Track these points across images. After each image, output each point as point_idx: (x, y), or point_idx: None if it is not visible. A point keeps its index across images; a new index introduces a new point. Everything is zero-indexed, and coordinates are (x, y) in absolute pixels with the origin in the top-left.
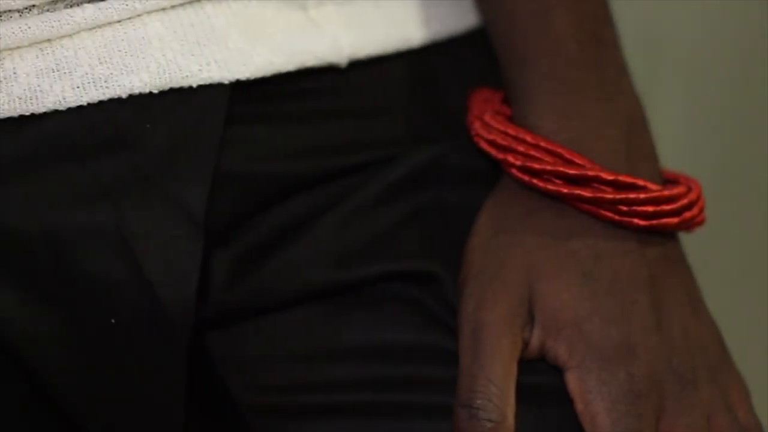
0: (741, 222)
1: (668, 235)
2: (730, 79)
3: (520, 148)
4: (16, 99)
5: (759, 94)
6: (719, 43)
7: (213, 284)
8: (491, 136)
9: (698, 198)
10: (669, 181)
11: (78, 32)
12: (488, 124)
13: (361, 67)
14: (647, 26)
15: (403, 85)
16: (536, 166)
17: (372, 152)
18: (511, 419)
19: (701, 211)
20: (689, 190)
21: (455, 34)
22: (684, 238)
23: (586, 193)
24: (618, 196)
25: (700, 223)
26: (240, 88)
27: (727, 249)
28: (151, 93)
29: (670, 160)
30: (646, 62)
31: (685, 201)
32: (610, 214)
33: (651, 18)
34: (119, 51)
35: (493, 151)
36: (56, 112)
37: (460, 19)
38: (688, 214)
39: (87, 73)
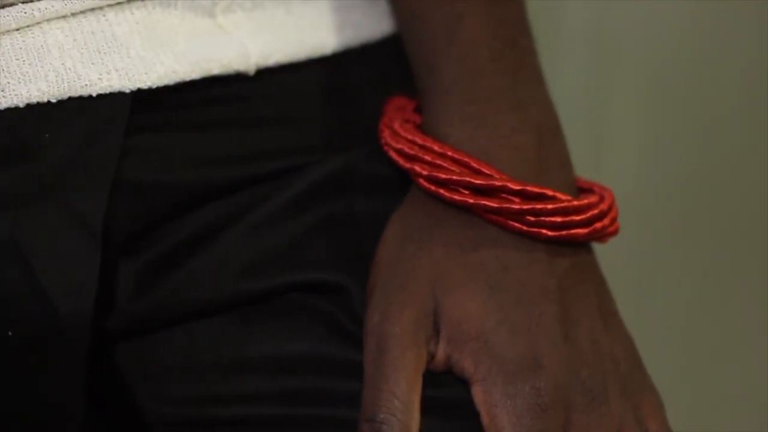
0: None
1: (580, 245)
2: (688, 79)
3: (427, 158)
4: None
5: (718, 93)
6: (675, 42)
7: (119, 295)
8: (399, 145)
9: (610, 208)
10: (584, 190)
11: None
12: (397, 133)
13: (271, 74)
14: (600, 27)
15: (316, 93)
16: (442, 175)
17: (282, 161)
18: None
19: (613, 221)
20: (601, 200)
21: (370, 40)
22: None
23: (493, 204)
24: (525, 207)
25: (613, 233)
26: (144, 96)
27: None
28: (50, 102)
29: (626, 162)
30: (600, 63)
31: (595, 211)
32: (517, 225)
33: (604, 18)
34: (17, 59)
35: (400, 161)
36: None
37: (376, 25)
38: (598, 225)
39: None
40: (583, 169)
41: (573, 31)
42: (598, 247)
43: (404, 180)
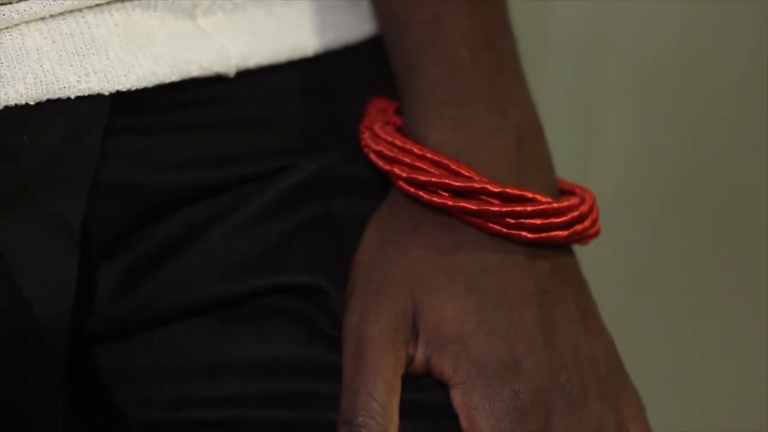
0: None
1: (560, 247)
2: (677, 80)
3: (407, 160)
4: None
5: (707, 94)
6: (664, 42)
7: (99, 297)
8: (379, 147)
9: (590, 210)
10: (565, 192)
11: None
12: (377, 135)
13: (251, 76)
14: (589, 27)
15: (297, 95)
16: (422, 177)
17: (262, 163)
18: None
19: (594, 223)
20: (582, 202)
21: (352, 42)
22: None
23: (472, 206)
24: (504, 209)
25: (594, 235)
26: (123, 98)
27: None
28: (28, 104)
29: (616, 163)
30: (589, 64)
31: (575, 213)
32: (497, 227)
33: (593, 19)
34: None
35: (380, 163)
36: None
37: (357, 27)
38: (578, 227)
39: None
40: (573, 171)
41: (562, 32)
42: (586, 248)
43: (385, 182)
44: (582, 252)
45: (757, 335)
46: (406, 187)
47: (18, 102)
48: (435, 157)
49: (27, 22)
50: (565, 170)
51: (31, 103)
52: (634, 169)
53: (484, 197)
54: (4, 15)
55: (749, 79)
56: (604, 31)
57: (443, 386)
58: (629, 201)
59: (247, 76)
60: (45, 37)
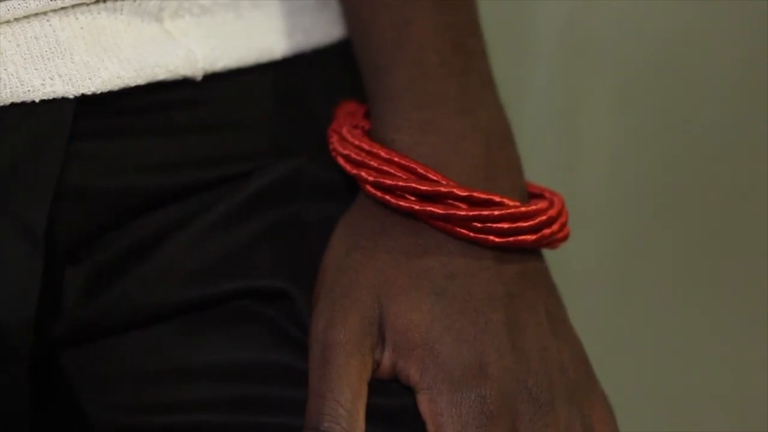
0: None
1: (529, 252)
2: (661, 79)
3: (374, 164)
4: None
5: (692, 93)
6: (648, 42)
7: (65, 301)
8: (346, 151)
9: (559, 214)
10: (534, 196)
11: None
12: (344, 138)
13: (219, 79)
14: (572, 27)
15: (265, 98)
16: (388, 181)
17: (230, 166)
18: None
19: (562, 227)
20: (550, 205)
21: (321, 45)
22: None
23: (439, 210)
24: (471, 213)
25: (563, 239)
26: (88, 102)
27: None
28: None
29: (600, 164)
30: (572, 64)
31: (543, 217)
32: (464, 231)
33: (576, 18)
34: None
35: (347, 166)
36: None
37: (327, 30)
38: (547, 231)
39: None
40: (557, 171)
41: (545, 32)
42: (570, 251)
43: (352, 186)
44: (567, 254)
45: (743, 336)
46: (373, 191)
47: None
48: (402, 161)
49: None
50: (549, 171)
51: None
52: (619, 170)
53: (451, 201)
54: None
55: (734, 79)
56: (587, 31)
57: (410, 391)
58: (613, 202)
59: (214, 79)
60: (9, 41)
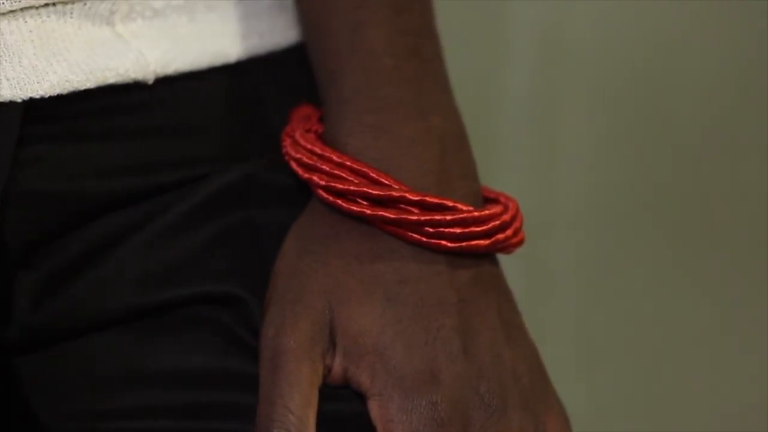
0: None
1: (483, 257)
2: (638, 80)
3: (326, 168)
4: None
5: (667, 96)
6: (625, 43)
7: (16, 307)
8: (298, 155)
9: (513, 219)
10: (489, 200)
11: None
12: (297, 142)
13: (171, 83)
14: (552, 29)
15: (218, 101)
16: (340, 186)
17: (183, 170)
18: None
19: (517, 232)
20: (504, 210)
21: (277, 49)
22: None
23: (390, 215)
24: (423, 218)
25: (518, 244)
26: (37, 106)
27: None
28: None
29: (577, 166)
30: (549, 65)
31: (497, 222)
32: (416, 236)
33: (552, 20)
34: None
35: (300, 171)
36: None
37: (283, 34)
38: (500, 236)
39: None
40: (536, 173)
41: (523, 34)
42: (549, 251)
43: (306, 190)
44: (546, 256)
45: (724, 336)
46: (325, 195)
47: None
48: (355, 165)
49: None
50: (528, 173)
51: None
52: (598, 172)
53: (403, 206)
54: None
55: (714, 81)
56: (565, 33)
57: (361, 397)
58: (593, 203)
59: (167, 82)
60: None
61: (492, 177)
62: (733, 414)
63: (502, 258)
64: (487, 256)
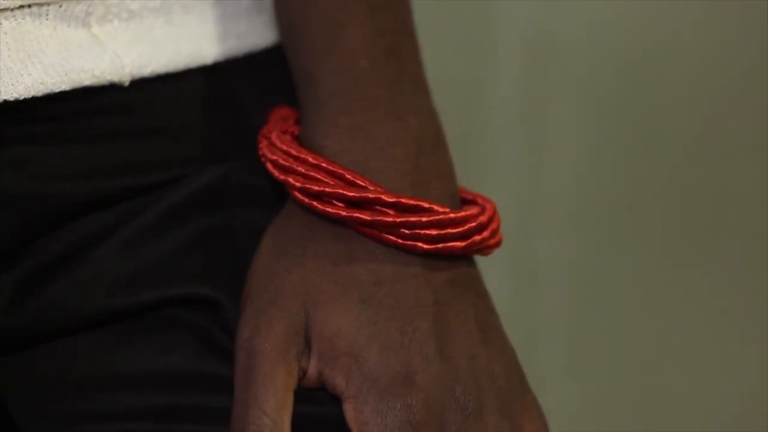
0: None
1: (460, 258)
2: (627, 81)
3: (301, 169)
4: None
5: (655, 98)
6: (612, 43)
7: None
8: (274, 156)
9: (490, 220)
10: (467, 202)
11: None
12: (273, 144)
13: (147, 84)
14: (539, 30)
15: (195, 103)
16: (315, 187)
17: (159, 172)
18: None
19: (494, 233)
20: (481, 212)
21: (255, 50)
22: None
23: (366, 216)
24: (399, 219)
25: (495, 246)
26: (12, 108)
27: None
28: None
29: (564, 168)
30: (538, 68)
31: (473, 224)
32: (392, 238)
33: (540, 21)
34: None
35: (275, 172)
36: None
37: (260, 35)
38: (477, 237)
39: None
40: (523, 174)
41: (511, 35)
42: (537, 253)
43: (282, 192)
44: (534, 258)
45: (714, 336)
46: (301, 197)
47: None
48: (330, 167)
49: None
50: (515, 175)
51: None
52: (585, 174)
53: (379, 207)
54: None
55: (702, 83)
56: (553, 34)
57: (337, 399)
58: (580, 205)
59: (143, 84)
60: None
61: (480, 178)
62: (725, 414)
63: (492, 259)
64: (464, 257)
